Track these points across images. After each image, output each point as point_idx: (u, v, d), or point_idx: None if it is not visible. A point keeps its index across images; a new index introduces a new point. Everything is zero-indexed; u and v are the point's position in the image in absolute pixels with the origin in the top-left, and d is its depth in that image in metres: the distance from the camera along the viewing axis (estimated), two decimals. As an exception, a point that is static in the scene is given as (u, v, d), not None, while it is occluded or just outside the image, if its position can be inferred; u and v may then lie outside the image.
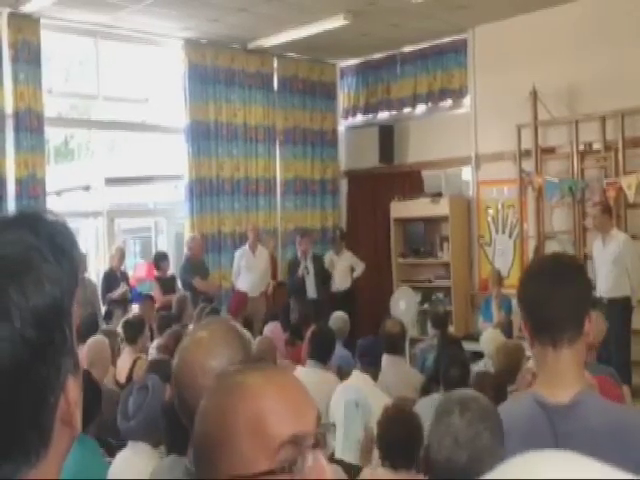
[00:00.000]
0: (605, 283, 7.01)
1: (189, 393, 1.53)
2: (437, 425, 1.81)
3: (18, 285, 0.72)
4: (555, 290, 1.77)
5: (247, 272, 8.90)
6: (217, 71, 9.57)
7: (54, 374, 0.75)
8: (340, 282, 9.76)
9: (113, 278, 8.09)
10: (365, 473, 3.23)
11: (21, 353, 0.71)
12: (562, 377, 1.77)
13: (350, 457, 3.87)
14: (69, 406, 0.77)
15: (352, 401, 4.18)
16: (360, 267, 9.76)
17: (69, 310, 0.77)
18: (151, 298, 7.78)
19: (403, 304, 8.47)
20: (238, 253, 9.09)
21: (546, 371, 1.80)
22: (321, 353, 4.98)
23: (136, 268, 10.00)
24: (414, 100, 10.09)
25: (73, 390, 0.78)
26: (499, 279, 8.08)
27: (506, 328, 7.48)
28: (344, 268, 9.80)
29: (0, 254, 0.73)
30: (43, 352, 0.73)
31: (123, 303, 7.91)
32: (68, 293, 0.77)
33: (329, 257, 9.95)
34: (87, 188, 9.76)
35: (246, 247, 9.11)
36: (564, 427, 1.72)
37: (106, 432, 3.58)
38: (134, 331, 5.66)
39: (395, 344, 5.28)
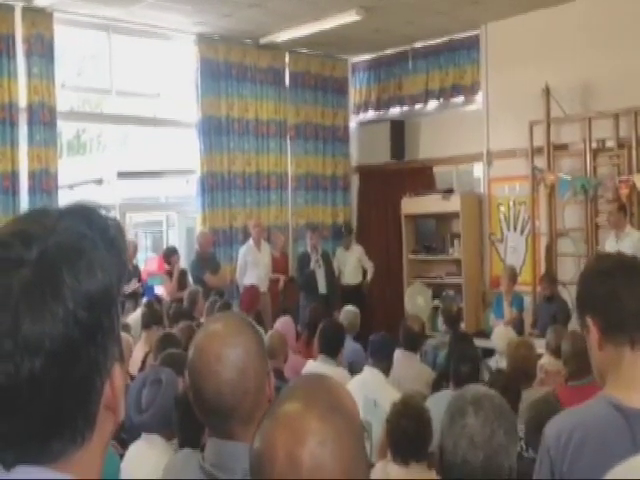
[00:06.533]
0: (618, 281, 6.98)
1: (203, 380, 1.54)
2: (451, 426, 1.78)
3: (71, 269, 0.75)
4: (633, 287, 1.71)
5: (254, 268, 8.88)
6: (229, 66, 9.57)
7: (102, 358, 0.78)
8: (350, 277, 9.79)
9: (125, 272, 8.11)
10: (377, 468, 3.24)
11: (73, 333, 0.74)
12: (639, 380, 1.68)
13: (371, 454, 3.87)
14: (114, 392, 0.80)
15: (371, 399, 4.19)
16: (370, 268, 9.81)
17: (117, 299, 0.81)
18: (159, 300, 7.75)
19: (421, 300, 8.48)
20: (243, 249, 9.06)
21: (621, 373, 1.69)
22: (330, 348, 4.99)
23: (147, 262, 10.03)
24: (426, 96, 10.05)
25: (118, 377, 0.81)
26: (513, 276, 8.05)
27: (517, 325, 7.47)
28: (353, 262, 9.83)
29: (55, 240, 0.76)
30: (93, 335, 0.76)
31: (134, 297, 7.94)
32: (117, 282, 0.80)
33: (339, 252, 9.99)
34: (99, 182, 9.80)
35: (250, 243, 9.09)
36: None
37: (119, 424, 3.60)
38: (155, 315, 5.71)
39: (414, 342, 5.33)
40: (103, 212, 0.84)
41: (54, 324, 0.73)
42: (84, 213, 0.81)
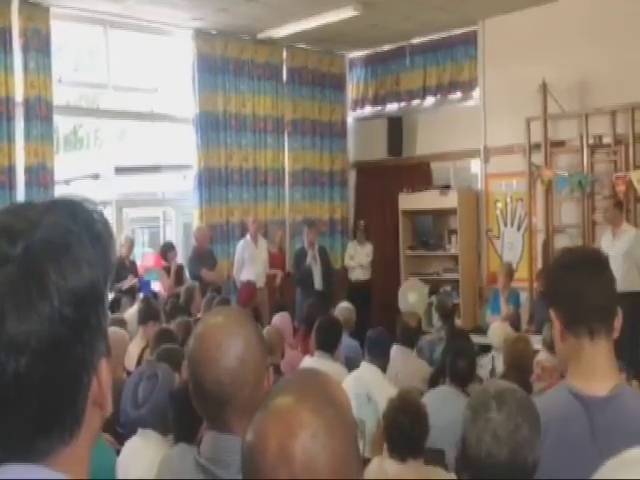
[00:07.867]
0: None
1: (202, 368, 1.54)
2: (474, 421, 1.77)
3: (57, 266, 0.74)
4: (593, 281, 1.77)
5: (251, 263, 8.89)
6: (226, 61, 9.55)
7: (89, 355, 0.77)
8: (361, 272, 9.80)
9: (122, 267, 8.10)
10: (373, 464, 3.24)
11: (59, 331, 0.73)
12: (598, 369, 1.75)
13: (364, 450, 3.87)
14: (101, 388, 0.80)
15: (363, 394, 4.18)
16: (368, 259, 9.83)
17: (104, 295, 0.80)
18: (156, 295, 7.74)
19: (413, 296, 8.47)
20: (240, 245, 9.07)
21: (581, 363, 1.76)
22: (327, 344, 4.99)
23: (144, 258, 10.01)
24: (423, 92, 10.06)
25: (105, 372, 0.80)
26: (510, 272, 8.05)
27: (514, 321, 7.47)
28: (364, 258, 9.85)
29: (40, 236, 0.75)
30: (79, 332, 0.75)
31: (131, 292, 7.93)
32: (103, 278, 0.79)
33: (352, 247, 9.99)
34: (96, 177, 9.78)
35: (247, 238, 9.10)
36: (601, 420, 1.70)
37: (115, 420, 3.59)
38: (152, 311, 5.69)
39: (411, 338, 5.34)
40: (89, 206, 0.82)
41: (40, 322, 0.72)
42: (69, 207, 0.80)
